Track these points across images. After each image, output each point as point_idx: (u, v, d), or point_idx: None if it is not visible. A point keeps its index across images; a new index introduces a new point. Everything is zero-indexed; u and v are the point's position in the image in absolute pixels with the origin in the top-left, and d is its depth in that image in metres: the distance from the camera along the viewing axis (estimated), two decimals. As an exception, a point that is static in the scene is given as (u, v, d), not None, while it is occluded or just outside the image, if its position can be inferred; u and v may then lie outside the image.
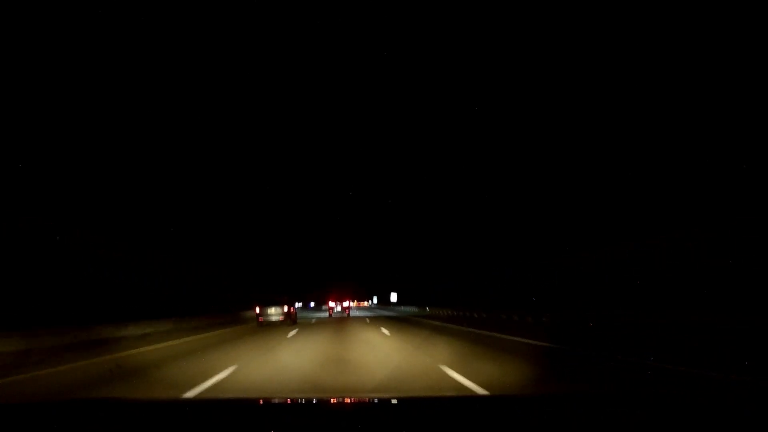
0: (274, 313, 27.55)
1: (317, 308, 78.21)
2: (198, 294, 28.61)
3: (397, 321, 29.67)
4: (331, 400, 3.78)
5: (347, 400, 3.30)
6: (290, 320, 27.82)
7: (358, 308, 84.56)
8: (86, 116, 23.96)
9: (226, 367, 8.70)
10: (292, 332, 19.09)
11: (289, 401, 3.36)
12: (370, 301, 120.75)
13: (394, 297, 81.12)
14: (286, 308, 27.81)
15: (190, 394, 6.47)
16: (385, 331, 19.45)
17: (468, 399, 3.68)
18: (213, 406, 2.86)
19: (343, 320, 34.15)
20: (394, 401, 3.12)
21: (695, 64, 19.15)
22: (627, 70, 22.87)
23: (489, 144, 38.62)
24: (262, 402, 3.33)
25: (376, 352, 11.36)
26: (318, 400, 3.44)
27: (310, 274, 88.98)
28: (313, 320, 31.82)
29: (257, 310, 27.95)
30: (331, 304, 44.13)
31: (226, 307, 30.88)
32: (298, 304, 38.69)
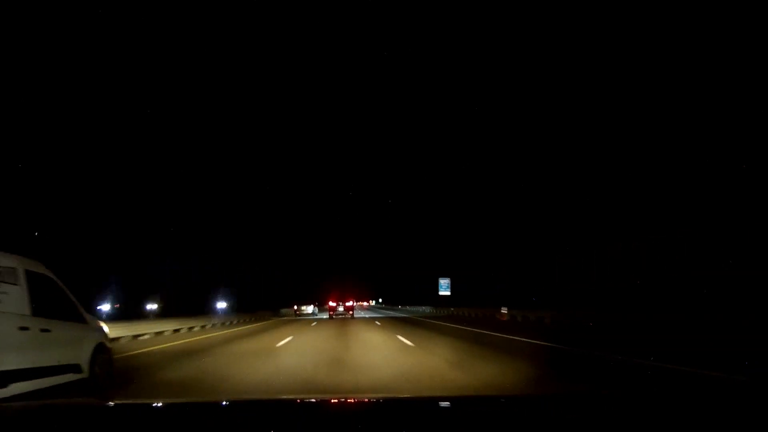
0: (305, 309, 48.85)
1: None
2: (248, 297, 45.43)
3: (396, 320, 29.67)
4: (331, 399, 3.78)
5: (347, 400, 3.30)
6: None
7: (360, 308, 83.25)
8: (87, 117, 23.93)
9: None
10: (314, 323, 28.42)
11: (288, 401, 3.36)
12: (373, 301, 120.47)
13: (392, 297, 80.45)
14: (312, 306, 50.16)
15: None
16: (378, 324, 24.04)
17: (468, 399, 3.68)
18: (213, 406, 2.86)
19: (346, 318, 35.46)
20: (394, 401, 3.12)
21: (689, 72, 19.14)
22: (623, 75, 22.86)
23: (489, 144, 38.61)
24: (262, 402, 3.33)
25: (371, 342, 11.90)
26: (317, 400, 3.44)
27: (312, 274, 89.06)
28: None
29: (295, 307, 49.35)
30: (332, 303, 41.80)
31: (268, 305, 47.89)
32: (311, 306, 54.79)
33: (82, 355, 6.47)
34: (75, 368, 6.27)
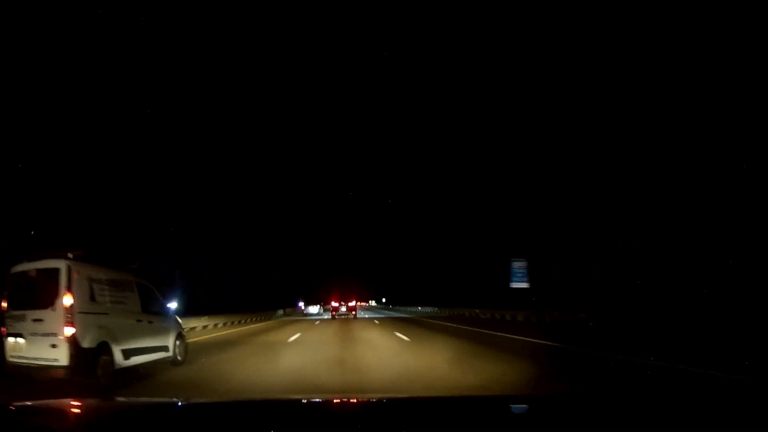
0: (311, 309, 55.94)
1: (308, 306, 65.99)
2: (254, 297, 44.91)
3: (398, 321, 29.66)
4: (331, 399, 3.78)
5: (347, 400, 3.31)
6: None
7: (361, 308, 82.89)
8: (86, 117, 23.92)
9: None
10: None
11: (289, 401, 3.36)
12: (372, 301, 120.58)
13: (390, 297, 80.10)
14: (318, 307, 57.68)
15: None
16: (377, 323, 24.74)
17: (468, 399, 3.68)
18: (213, 407, 2.87)
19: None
20: (394, 401, 3.12)
21: (688, 72, 19.12)
22: (623, 76, 22.84)
23: (488, 144, 38.57)
24: (262, 402, 3.34)
25: (372, 346, 11.66)
26: (317, 400, 3.44)
27: (313, 274, 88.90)
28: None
29: (302, 307, 57.67)
30: (334, 303, 41.22)
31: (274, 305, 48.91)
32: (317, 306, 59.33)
33: (170, 340, 9.10)
34: (166, 349, 8.87)
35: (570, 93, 27.16)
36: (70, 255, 7.06)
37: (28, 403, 2.85)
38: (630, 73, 22.61)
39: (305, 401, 3.28)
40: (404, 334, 16.14)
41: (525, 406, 2.69)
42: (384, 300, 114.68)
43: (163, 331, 8.86)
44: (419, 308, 50.79)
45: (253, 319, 31.63)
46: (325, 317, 39.74)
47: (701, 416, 2.11)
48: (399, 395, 5.09)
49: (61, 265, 6.84)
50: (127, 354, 7.48)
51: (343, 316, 37.44)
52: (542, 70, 29.75)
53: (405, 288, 78.97)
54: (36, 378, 6.55)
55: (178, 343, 9.38)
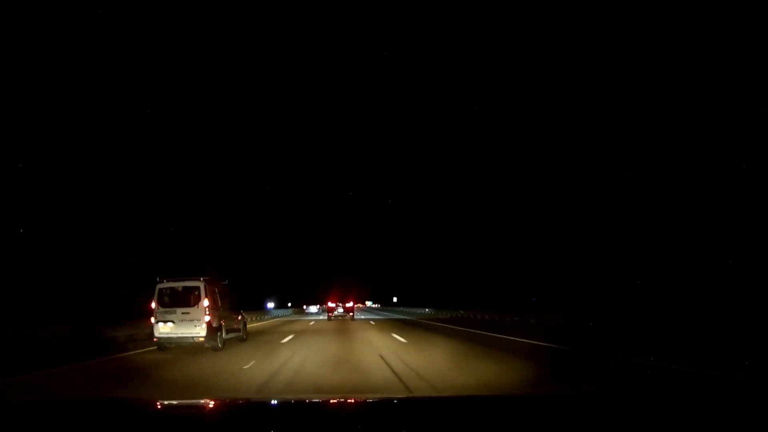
0: (311, 309, 61.80)
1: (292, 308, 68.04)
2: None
3: (397, 323, 29.62)
4: (331, 400, 3.79)
5: (346, 400, 3.31)
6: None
7: (357, 310, 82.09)
8: (86, 117, 23.94)
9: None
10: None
11: (288, 401, 3.36)
12: (369, 302, 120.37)
13: (395, 298, 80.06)
14: (317, 307, 60.79)
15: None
16: (372, 323, 24.52)
17: (469, 399, 3.68)
18: (212, 407, 2.87)
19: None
20: (394, 401, 3.12)
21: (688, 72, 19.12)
22: (623, 77, 22.85)
23: (489, 144, 38.59)
24: (262, 402, 3.34)
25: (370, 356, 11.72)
26: (317, 401, 3.44)
27: (313, 274, 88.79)
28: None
29: (304, 306, 63.60)
30: (331, 304, 40.24)
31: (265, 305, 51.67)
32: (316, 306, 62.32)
33: (241, 326, 14.68)
34: (239, 331, 14.36)
35: (570, 95, 27.18)
36: (201, 278, 12.03)
37: (174, 402, 3.26)
38: (629, 75, 22.62)
39: (305, 401, 3.28)
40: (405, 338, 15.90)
41: (525, 406, 2.69)
42: (395, 299, 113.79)
43: (238, 320, 14.49)
44: (427, 310, 50.37)
45: (256, 318, 33.35)
46: (322, 317, 40.09)
47: (701, 416, 2.11)
48: (399, 395, 5.09)
49: (200, 283, 12.01)
50: (227, 332, 12.77)
51: (339, 317, 36.42)
52: (541, 71, 29.76)
53: (406, 288, 78.68)
54: (180, 345, 11.74)
55: (244, 328, 15.08)
